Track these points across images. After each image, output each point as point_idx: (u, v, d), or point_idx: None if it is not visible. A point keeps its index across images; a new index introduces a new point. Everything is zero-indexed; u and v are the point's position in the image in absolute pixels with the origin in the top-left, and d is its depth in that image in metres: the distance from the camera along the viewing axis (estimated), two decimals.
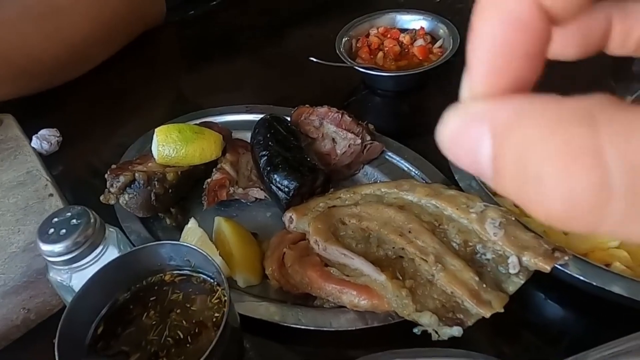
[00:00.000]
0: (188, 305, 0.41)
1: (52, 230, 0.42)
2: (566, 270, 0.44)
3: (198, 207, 0.60)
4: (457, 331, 0.41)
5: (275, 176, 0.56)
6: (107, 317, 0.40)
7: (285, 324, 0.47)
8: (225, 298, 0.39)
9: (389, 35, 0.76)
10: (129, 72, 0.86)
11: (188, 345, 0.39)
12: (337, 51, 0.73)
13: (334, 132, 0.62)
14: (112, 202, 0.57)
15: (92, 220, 0.43)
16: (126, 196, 0.56)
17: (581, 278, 0.43)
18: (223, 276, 0.39)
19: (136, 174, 0.56)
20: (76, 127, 0.75)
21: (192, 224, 0.54)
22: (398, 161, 0.62)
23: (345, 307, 0.47)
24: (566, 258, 0.43)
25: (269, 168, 0.57)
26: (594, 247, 0.48)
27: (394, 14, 0.79)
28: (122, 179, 0.56)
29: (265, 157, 0.57)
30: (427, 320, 0.42)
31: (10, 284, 0.52)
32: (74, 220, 0.42)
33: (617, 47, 0.19)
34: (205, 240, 0.52)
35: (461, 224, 0.48)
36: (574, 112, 0.14)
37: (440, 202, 0.50)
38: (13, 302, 0.51)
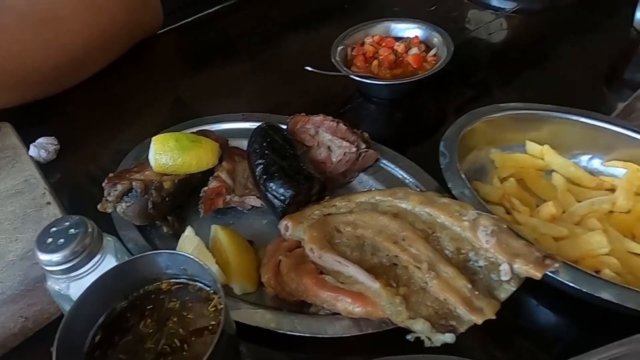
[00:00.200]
0: (185, 314, 0.42)
1: (50, 239, 0.43)
2: (557, 277, 0.44)
3: (195, 215, 0.61)
4: (449, 338, 0.42)
5: (271, 184, 0.56)
6: (104, 326, 0.41)
7: (281, 331, 0.48)
8: (222, 306, 0.40)
9: (383, 44, 0.77)
10: (127, 80, 0.86)
11: (185, 353, 0.39)
12: (333, 60, 0.74)
13: (329, 140, 0.63)
14: (109, 210, 0.58)
15: (89, 230, 0.43)
16: (123, 204, 0.57)
17: (571, 285, 0.44)
18: (219, 284, 0.39)
19: (133, 183, 0.57)
20: (74, 134, 0.75)
21: (188, 232, 0.55)
22: (393, 169, 0.63)
23: (340, 314, 0.47)
24: (557, 265, 0.44)
25: (265, 176, 0.57)
26: (584, 254, 0.48)
27: (389, 22, 0.80)
28: (119, 187, 0.57)
29: (262, 166, 0.58)
30: (420, 327, 0.42)
31: (8, 292, 0.52)
32: (72, 230, 0.43)
33: None
34: (201, 249, 0.52)
35: (454, 231, 0.48)
36: None
37: (434, 210, 0.50)
38: (11, 310, 0.51)
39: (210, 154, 0.62)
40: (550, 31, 0.94)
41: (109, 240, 0.47)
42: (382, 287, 0.44)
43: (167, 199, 0.59)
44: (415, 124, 0.76)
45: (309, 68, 0.69)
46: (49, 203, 0.63)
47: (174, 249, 0.55)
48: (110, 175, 0.60)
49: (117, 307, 0.42)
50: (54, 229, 0.43)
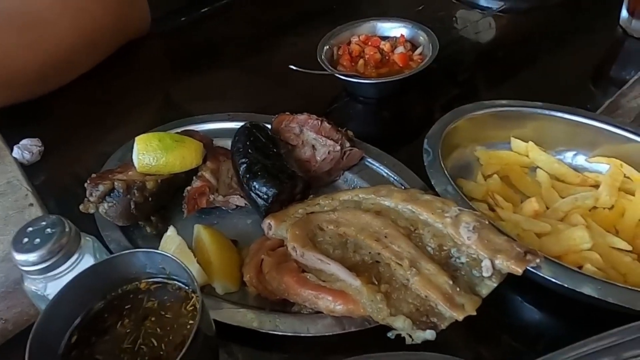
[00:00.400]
0: (163, 313, 0.41)
1: (26, 239, 0.42)
2: (539, 273, 0.44)
3: (179, 215, 0.60)
4: (430, 335, 0.41)
5: (255, 183, 0.56)
6: (81, 326, 0.40)
7: (263, 331, 0.47)
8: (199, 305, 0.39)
9: (369, 43, 0.77)
10: (113, 81, 0.86)
11: (162, 353, 0.39)
12: (319, 59, 0.74)
13: (313, 139, 0.63)
14: (91, 211, 0.57)
15: (67, 229, 0.43)
16: (105, 205, 0.57)
17: (553, 280, 0.44)
18: (196, 283, 0.39)
19: (115, 183, 0.56)
20: (59, 136, 0.75)
21: (171, 231, 0.54)
22: (378, 167, 0.62)
23: (322, 312, 0.47)
24: (538, 261, 0.44)
25: (248, 175, 0.57)
26: (566, 250, 0.48)
27: (375, 22, 0.81)
28: (101, 187, 0.56)
29: (245, 165, 0.58)
30: (400, 324, 0.42)
31: None
32: (49, 230, 0.42)
33: None
34: (183, 248, 0.52)
35: (436, 228, 0.48)
36: None
37: (416, 207, 0.50)
38: None
39: (194, 154, 0.61)
40: (537, 30, 0.95)
41: (87, 240, 0.46)
42: (363, 285, 0.44)
43: (150, 199, 0.58)
44: (402, 122, 0.76)
45: (293, 67, 0.69)
46: (31, 205, 0.62)
47: (157, 249, 0.55)
48: (93, 175, 0.59)
49: (94, 307, 0.42)
50: (30, 228, 0.43)
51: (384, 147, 0.65)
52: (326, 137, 0.62)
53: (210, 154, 0.64)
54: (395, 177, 0.61)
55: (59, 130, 0.77)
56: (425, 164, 0.56)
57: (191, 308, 0.41)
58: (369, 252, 0.48)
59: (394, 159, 0.62)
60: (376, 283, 0.45)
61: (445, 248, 0.47)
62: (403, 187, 0.59)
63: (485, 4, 1.02)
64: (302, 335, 0.47)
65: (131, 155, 0.61)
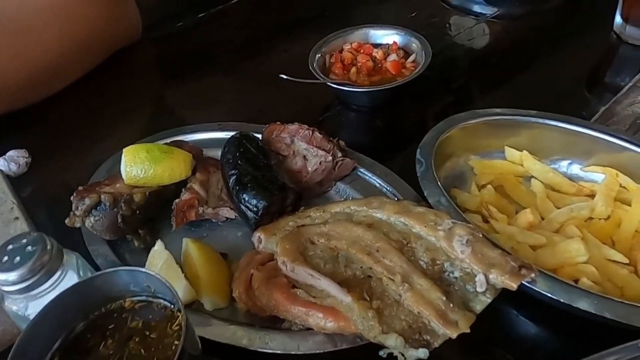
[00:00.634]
0: (147, 333, 0.40)
1: (6, 257, 0.41)
2: (534, 287, 0.43)
3: (168, 228, 0.59)
4: (423, 353, 0.40)
5: (244, 195, 0.55)
6: (62, 348, 0.39)
7: (253, 349, 0.46)
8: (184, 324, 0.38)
9: (362, 51, 0.76)
10: (102, 90, 0.85)
11: None
12: (310, 67, 0.73)
13: (305, 149, 0.62)
14: (77, 225, 0.56)
15: (48, 247, 0.42)
16: (92, 219, 0.55)
17: (549, 295, 0.43)
18: (180, 302, 0.38)
19: (102, 196, 0.55)
20: (46, 146, 0.74)
21: (158, 246, 0.53)
22: (370, 177, 0.61)
23: (313, 329, 0.46)
24: (533, 275, 0.43)
25: (237, 187, 0.56)
26: (562, 263, 0.47)
27: (367, 29, 0.80)
28: (87, 201, 0.55)
29: (234, 176, 0.57)
30: (393, 343, 0.41)
31: None
32: (30, 247, 0.41)
33: None
34: (170, 263, 0.51)
35: (429, 241, 0.47)
36: None
37: (409, 220, 0.49)
38: None
39: (183, 165, 0.60)
40: (531, 36, 0.94)
41: (70, 256, 0.45)
42: (354, 301, 0.43)
43: (137, 212, 0.57)
44: (395, 130, 0.75)
45: (283, 76, 0.68)
46: (17, 218, 0.61)
47: (145, 264, 0.54)
48: (80, 188, 0.58)
49: (76, 327, 0.40)
50: (10, 246, 0.41)
51: (377, 156, 0.64)
52: (317, 147, 0.61)
53: (199, 165, 0.63)
54: (388, 188, 0.60)
55: (47, 141, 0.75)
56: (418, 174, 0.55)
57: (177, 327, 0.40)
58: (361, 267, 0.47)
59: (387, 169, 0.61)
60: (368, 299, 0.44)
61: (438, 262, 0.46)
62: (396, 198, 0.59)
63: (479, 10, 1.01)
64: (293, 353, 0.45)
65: (119, 166, 0.60)
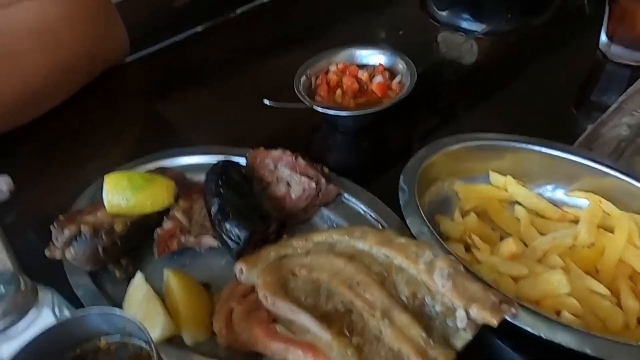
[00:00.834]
0: None
1: None
2: (515, 322, 0.43)
3: (150, 256, 0.58)
4: None
5: (226, 225, 0.55)
6: None
7: None
8: None
9: (347, 72, 0.76)
10: (87, 112, 0.84)
11: None
12: (296, 90, 0.73)
13: (288, 175, 0.61)
14: (57, 256, 0.55)
15: (22, 287, 0.41)
16: (72, 250, 0.55)
17: (529, 330, 0.42)
18: (152, 343, 0.37)
19: (82, 227, 0.55)
20: (30, 172, 0.73)
21: (138, 278, 0.53)
22: (354, 204, 0.61)
23: None
24: (513, 310, 0.42)
25: (220, 216, 0.55)
26: (544, 295, 0.47)
27: (352, 49, 0.80)
28: (66, 232, 0.54)
29: (217, 205, 0.56)
30: None
31: None
32: (1, 287, 0.41)
33: None
34: (150, 297, 0.50)
35: (410, 274, 0.47)
36: None
37: (391, 251, 0.49)
38: None
39: (166, 193, 0.60)
40: (519, 53, 0.94)
41: (45, 294, 0.44)
42: (334, 338, 0.42)
43: (118, 242, 0.56)
44: (381, 153, 0.75)
45: (267, 102, 0.68)
46: None
47: (123, 296, 0.53)
48: (60, 218, 0.57)
49: None
50: None
51: (363, 179, 0.64)
52: (301, 173, 0.61)
53: (183, 192, 0.62)
54: (372, 214, 0.59)
55: (31, 166, 0.75)
56: (400, 203, 0.54)
57: None
58: (342, 300, 0.47)
59: (371, 195, 0.61)
60: (348, 334, 0.44)
61: (419, 296, 0.45)
62: (380, 225, 0.58)
63: (467, 27, 1.02)
64: None
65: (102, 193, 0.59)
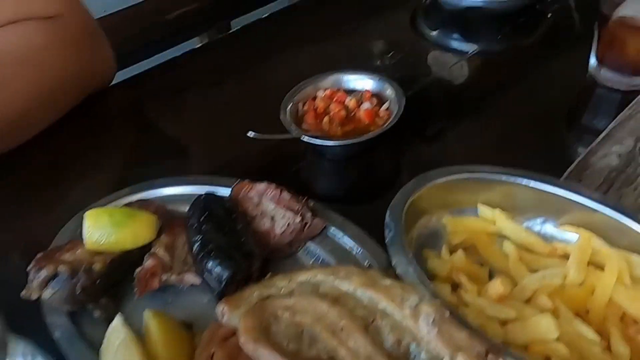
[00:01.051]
0: None
1: None
2: None
3: (131, 293, 0.57)
4: None
5: (208, 264, 0.53)
6: None
7: None
8: None
9: (335, 99, 0.75)
10: (68, 141, 0.81)
11: None
12: (282, 119, 0.72)
13: (273, 209, 0.60)
14: (34, 297, 0.54)
15: None
16: (49, 291, 0.53)
17: None
18: None
19: (59, 267, 0.53)
20: (7, 205, 0.71)
21: (116, 322, 0.51)
22: (340, 239, 0.60)
23: None
24: None
25: (201, 255, 0.54)
26: (533, 340, 0.46)
27: (340, 74, 0.79)
28: (43, 272, 0.53)
29: (198, 243, 0.55)
30: None
31: None
32: None
33: None
34: (127, 343, 0.48)
35: (395, 319, 0.46)
36: None
37: (375, 294, 0.47)
38: None
39: (147, 229, 0.58)
40: (509, 74, 0.94)
41: (17, 344, 0.43)
42: None
43: (98, 281, 0.55)
44: (369, 182, 0.74)
45: (252, 134, 0.66)
46: None
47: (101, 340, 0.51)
48: (38, 256, 0.56)
49: None
50: None
51: (351, 209, 0.63)
52: (286, 208, 0.59)
53: (165, 226, 0.61)
54: (358, 250, 0.58)
55: (8, 198, 0.73)
56: (386, 241, 0.53)
57: None
58: (325, 347, 0.45)
59: (358, 229, 0.60)
60: None
61: (404, 343, 0.44)
62: (367, 260, 0.57)
63: (458, 47, 1.01)
64: None
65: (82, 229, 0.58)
